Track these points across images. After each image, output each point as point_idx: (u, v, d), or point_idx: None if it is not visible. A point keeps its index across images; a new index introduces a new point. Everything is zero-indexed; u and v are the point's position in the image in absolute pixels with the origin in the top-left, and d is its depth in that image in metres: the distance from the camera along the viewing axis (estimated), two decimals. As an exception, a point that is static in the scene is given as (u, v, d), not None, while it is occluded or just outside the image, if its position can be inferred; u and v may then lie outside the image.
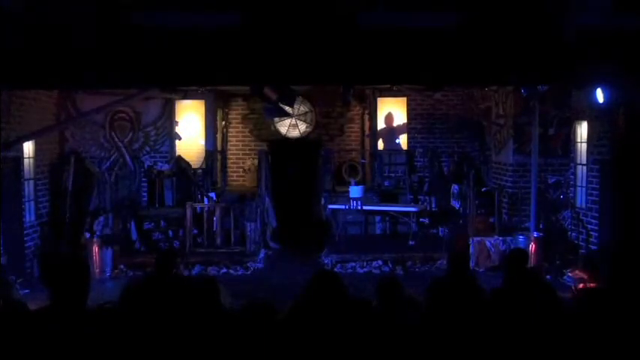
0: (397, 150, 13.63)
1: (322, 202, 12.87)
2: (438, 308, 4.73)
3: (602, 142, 10.06)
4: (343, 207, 12.26)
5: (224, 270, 11.04)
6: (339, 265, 11.05)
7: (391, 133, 13.67)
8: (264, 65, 7.12)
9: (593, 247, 10.26)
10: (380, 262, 11.15)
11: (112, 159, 12.73)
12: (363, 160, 14.06)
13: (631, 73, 7.03)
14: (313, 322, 4.05)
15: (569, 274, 9.70)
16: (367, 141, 14.00)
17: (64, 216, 11.60)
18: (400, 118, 13.68)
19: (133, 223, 11.93)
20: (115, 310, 3.73)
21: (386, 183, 13.43)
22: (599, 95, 8.60)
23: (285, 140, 13.94)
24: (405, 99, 13.61)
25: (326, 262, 11.23)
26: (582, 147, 11.01)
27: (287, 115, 13.09)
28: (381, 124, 13.65)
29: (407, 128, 13.68)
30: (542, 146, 11.04)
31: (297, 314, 4.21)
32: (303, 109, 13.68)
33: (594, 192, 10.37)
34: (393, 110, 13.68)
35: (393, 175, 13.58)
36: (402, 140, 13.71)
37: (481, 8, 6.26)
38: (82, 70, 6.85)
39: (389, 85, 12.18)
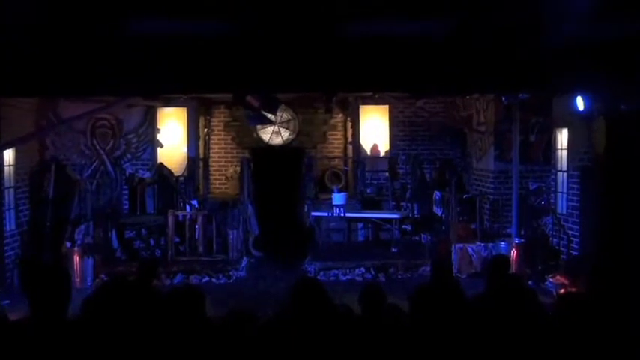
0: (379, 157, 13.67)
1: (305, 209, 12.86)
2: (421, 315, 4.74)
3: (582, 149, 10.16)
4: (326, 214, 12.27)
5: (206, 278, 10.98)
6: (322, 273, 11.04)
7: (375, 159, 13.72)
8: (246, 73, 7.13)
9: (574, 253, 10.34)
10: (363, 269, 11.16)
11: (93, 167, 12.64)
12: (346, 168, 14.08)
13: (611, 81, 7.13)
14: (296, 330, 4.04)
15: (551, 279, 9.77)
16: (350, 148, 14.03)
17: (45, 224, 11.48)
18: (382, 130, 13.73)
19: (114, 232, 11.84)
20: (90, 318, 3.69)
21: (368, 190, 13.45)
22: (579, 103, 8.69)
23: (268, 148, 13.92)
24: (387, 107, 13.65)
25: (309, 269, 11.21)
26: (563, 154, 11.11)
27: (270, 122, 13.08)
28: (366, 144, 13.70)
29: (389, 136, 13.74)
30: (523, 153, 11.13)
31: (280, 322, 4.20)
32: (285, 116, 13.68)
33: (575, 198, 10.47)
34: (375, 118, 13.73)
35: (375, 182, 13.61)
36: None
37: (463, 18, 6.31)
38: (64, 78, 6.81)
39: (371, 93, 12.22)
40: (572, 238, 10.45)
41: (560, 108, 10.80)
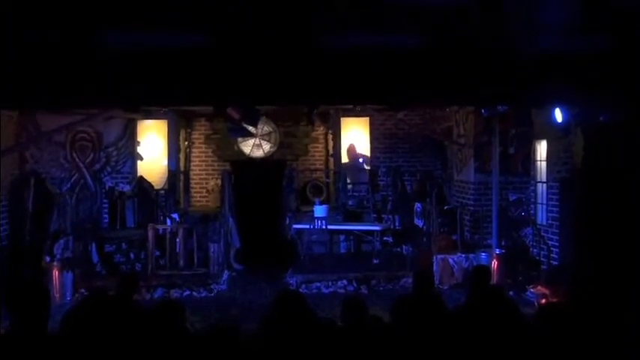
0: (361, 169, 13.70)
1: (287, 221, 12.83)
2: (403, 327, 4.75)
3: (561, 160, 10.27)
4: (308, 226, 12.26)
5: (187, 292, 10.89)
6: (304, 286, 11.00)
7: (355, 164, 13.75)
8: (227, 85, 7.12)
9: (554, 263, 10.42)
10: (345, 281, 11.14)
11: (72, 180, 12.53)
12: (328, 180, 14.09)
13: (589, 93, 7.22)
14: (279, 343, 4.03)
15: (532, 289, 9.82)
16: (331, 160, 14.05)
17: (24, 239, 11.35)
18: (363, 142, 13.77)
19: (94, 246, 11.72)
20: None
21: (350, 202, 13.47)
22: (558, 115, 8.78)
23: (249, 160, 13.90)
24: (367, 119, 13.72)
25: (291, 282, 11.18)
26: (542, 165, 11.22)
27: (251, 135, 13.05)
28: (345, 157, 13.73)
29: (370, 148, 13.79)
30: (503, 165, 11.22)
31: (262, 336, 4.18)
32: (267, 129, 13.68)
33: (554, 209, 10.56)
34: (356, 130, 13.78)
35: (356, 194, 13.63)
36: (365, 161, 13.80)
37: (443, 31, 6.36)
38: (43, 90, 6.76)
39: (352, 106, 12.27)
40: (552, 249, 10.53)
41: (539, 120, 10.92)
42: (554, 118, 8.91)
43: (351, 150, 13.71)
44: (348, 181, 13.47)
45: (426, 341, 4.46)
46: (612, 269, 8.21)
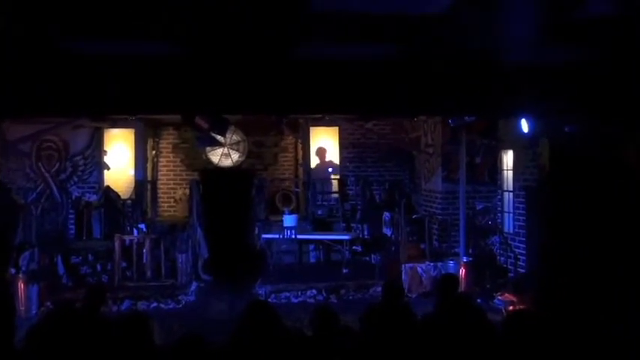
0: (330, 179, 13.72)
1: (255, 231, 12.78)
2: (373, 336, 4.75)
3: (527, 169, 10.42)
4: (277, 236, 12.21)
5: (154, 304, 10.73)
6: (273, 296, 10.95)
7: (324, 167, 13.76)
8: (196, 94, 7.09)
9: (521, 271, 10.54)
10: (314, 291, 11.11)
11: (38, 190, 12.32)
12: (297, 189, 14.08)
13: (554, 104, 7.35)
14: (249, 354, 4.00)
15: (499, 297, 9.90)
16: (301, 170, 14.05)
17: (-13, 250, 11.11)
18: (332, 151, 13.80)
19: (59, 258, 11.51)
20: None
21: (319, 211, 13.47)
22: (524, 125, 8.91)
23: (218, 169, 13.82)
24: (337, 128, 13.76)
25: (260, 292, 11.11)
26: (509, 174, 11.37)
27: (219, 144, 13.00)
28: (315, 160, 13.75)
29: (339, 157, 13.82)
30: (470, 174, 11.34)
31: (231, 347, 4.15)
32: (235, 138, 13.62)
33: (521, 217, 10.70)
34: (325, 140, 13.81)
35: (326, 203, 13.64)
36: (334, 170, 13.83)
37: (411, 42, 6.42)
38: (8, 98, 6.65)
39: (321, 115, 12.30)
40: (519, 257, 10.65)
41: (506, 130, 11.08)
42: (521, 129, 9.04)
43: (320, 153, 13.72)
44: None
45: (396, 350, 4.47)
46: (578, 276, 8.34)
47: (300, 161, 14.03)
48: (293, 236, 12.11)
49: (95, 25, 5.70)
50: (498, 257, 11.25)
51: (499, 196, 11.71)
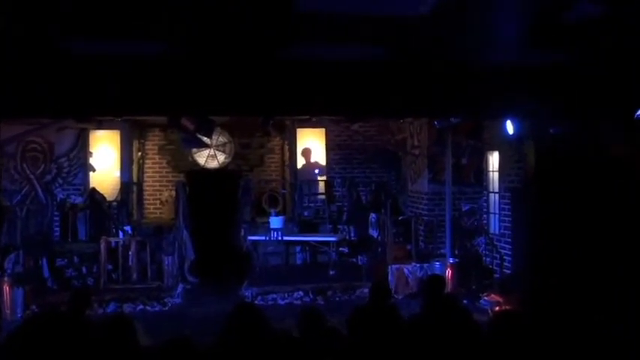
0: (316, 180, 13.72)
1: (242, 233, 12.75)
2: (360, 337, 4.76)
3: (512, 170, 10.47)
4: (263, 238, 12.20)
5: (140, 306, 10.68)
6: (259, 297, 10.93)
7: (310, 168, 13.76)
8: (182, 95, 7.06)
9: (507, 272, 10.59)
10: (301, 292, 11.11)
11: (23, 192, 12.24)
12: (284, 191, 14.06)
13: (539, 106, 7.39)
14: (235, 356, 3.99)
15: (485, 298, 9.95)
16: (287, 171, 14.04)
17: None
18: (318, 152, 13.80)
19: (44, 260, 11.42)
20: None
21: (306, 213, 13.46)
22: (509, 127, 8.96)
23: (204, 171, 13.78)
24: (323, 130, 13.76)
25: (246, 294, 11.09)
26: (494, 175, 11.42)
27: (205, 145, 12.95)
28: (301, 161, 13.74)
29: (325, 159, 13.83)
30: (456, 175, 11.39)
31: (218, 350, 4.13)
32: (221, 139, 13.59)
33: (506, 219, 10.75)
34: (311, 141, 13.80)
35: (312, 205, 13.63)
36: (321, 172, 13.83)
37: (397, 43, 6.43)
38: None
39: (308, 117, 12.29)
40: (504, 257, 10.70)
41: (491, 132, 11.13)
42: (506, 130, 9.08)
43: (305, 153, 13.71)
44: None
45: (383, 351, 4.48)
46: (563, 277, 8.39)
47: (287, 162, 14.01)
48: (279, 238, 12.10)
49: (82, 26, 5.65)
50: (484, 258, 11.30)
51: (485, 198, 11.76)
